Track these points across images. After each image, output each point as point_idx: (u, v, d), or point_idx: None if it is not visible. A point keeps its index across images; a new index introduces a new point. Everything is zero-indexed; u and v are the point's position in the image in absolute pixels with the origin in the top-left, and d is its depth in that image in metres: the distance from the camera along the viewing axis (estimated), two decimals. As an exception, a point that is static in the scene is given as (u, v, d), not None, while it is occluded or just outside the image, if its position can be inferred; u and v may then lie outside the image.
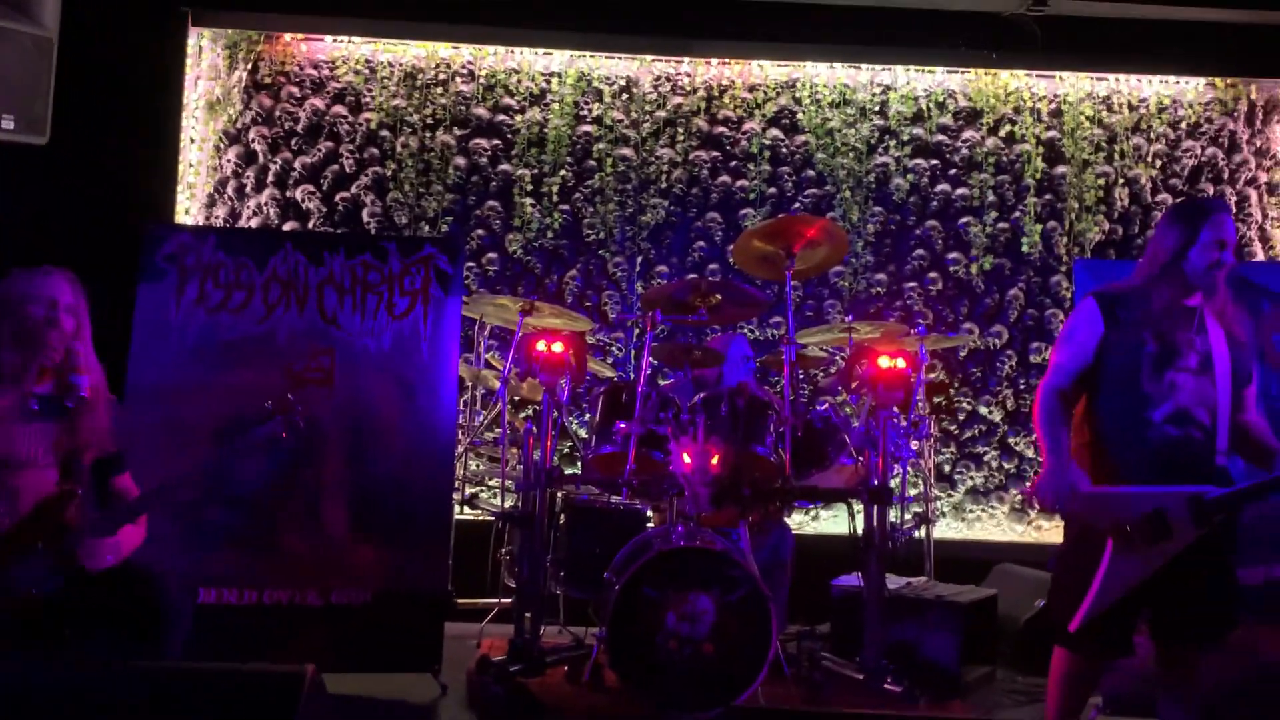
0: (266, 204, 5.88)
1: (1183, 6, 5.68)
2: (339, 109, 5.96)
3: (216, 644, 3.71)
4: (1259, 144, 6.10)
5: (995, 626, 4.79)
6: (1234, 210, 5.91)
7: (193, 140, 5.80)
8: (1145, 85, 6.08)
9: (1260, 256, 5.97)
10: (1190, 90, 6.09)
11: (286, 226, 5.85)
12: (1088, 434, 3.00)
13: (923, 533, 4.89)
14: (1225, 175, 6.07)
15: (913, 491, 4.84)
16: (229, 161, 5.89)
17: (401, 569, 4.20)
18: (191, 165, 5.79)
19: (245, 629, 4.01)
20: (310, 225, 5.87)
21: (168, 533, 3.82)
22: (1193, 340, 2.94)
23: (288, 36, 5.95)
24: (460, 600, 4.77)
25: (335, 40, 5.97)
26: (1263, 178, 6.08)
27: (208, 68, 5.88)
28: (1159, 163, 6.06)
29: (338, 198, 5.92)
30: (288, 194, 5.90)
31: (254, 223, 5.84)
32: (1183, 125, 6.09)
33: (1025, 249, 6.02)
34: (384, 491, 4.25)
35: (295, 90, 5.96)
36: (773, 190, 6.01)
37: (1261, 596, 3.79)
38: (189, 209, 5.75)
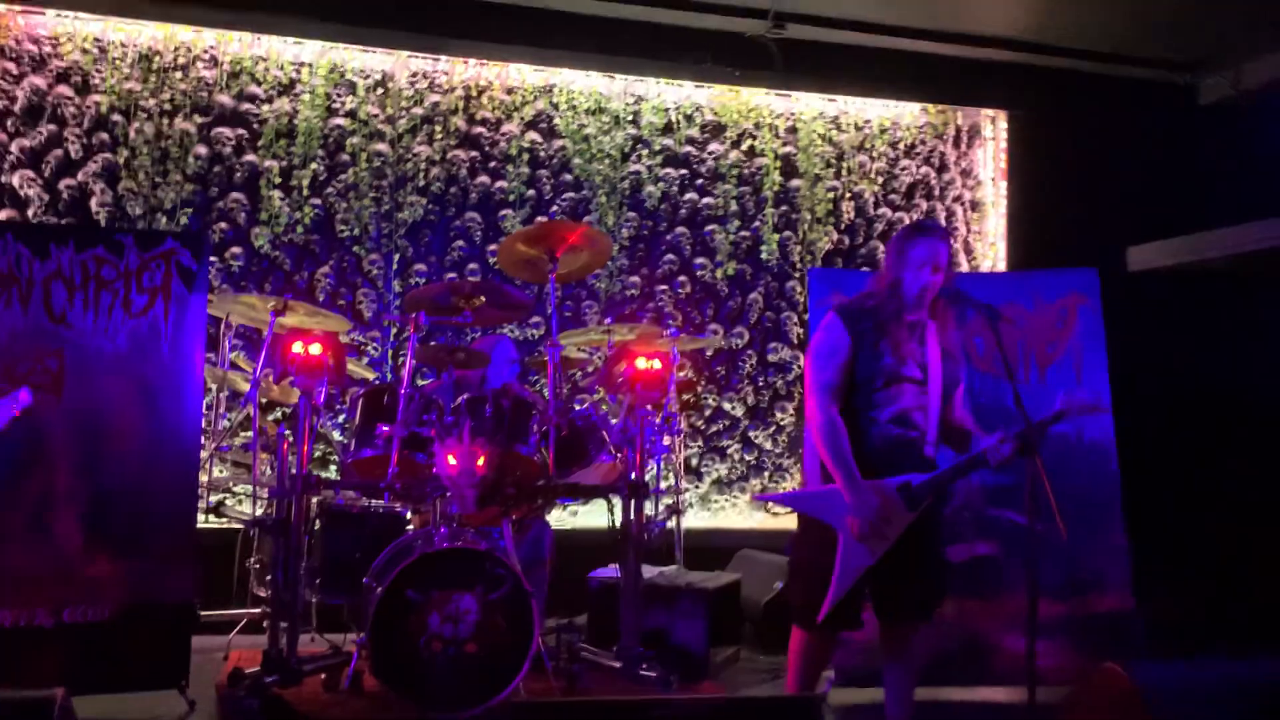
0: (-24, 189, 5.35)
1: (900, 38, 6.27)
2: (63, 89, 5.50)
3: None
4: (964, 165, 6.81)
5: (738, 609, 5.13)
6: (947, 232, 6.56)
7: (-116, 115, 5.20)
8: (869, 108, 6.64)
9: (965, 267, 6.66)
10: (908, 114, 6.71)
11: (1, 215, 5.34)
12: None
13: (674, 523, 5.13)
14: (936, 192, 6.74)
15: (665, 484, 5.08)
16: (-71, 140, 5.32)
17: (142, 582, 3.98)
18: (-116, 142, 5.19)
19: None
20: (30, 215, 5.39)
21: None
22: (914, 352, 3.28)
23: (2, 8, 5.43)
24: (204, 612, 4.57)
25: (59, 15, 5.49)
26: (967, 195, 6.80)
27: (-96, 35, 5.29)
28: (880, 179, 6.64)
29: (62, 185, 5.46)
30: (3, 179, 5.39)
31: (-39, 209, 5.30)
32: (901, 146, 6.69)
33: (764, 256, 6.43)
34: (122, 501, 4.02)
35: (11, 67, 5.44)
36: (531, 193, 6.10)
37: (966, 572, 4.25)
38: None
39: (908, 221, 6.52)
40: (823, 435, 3.17)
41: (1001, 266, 6.67)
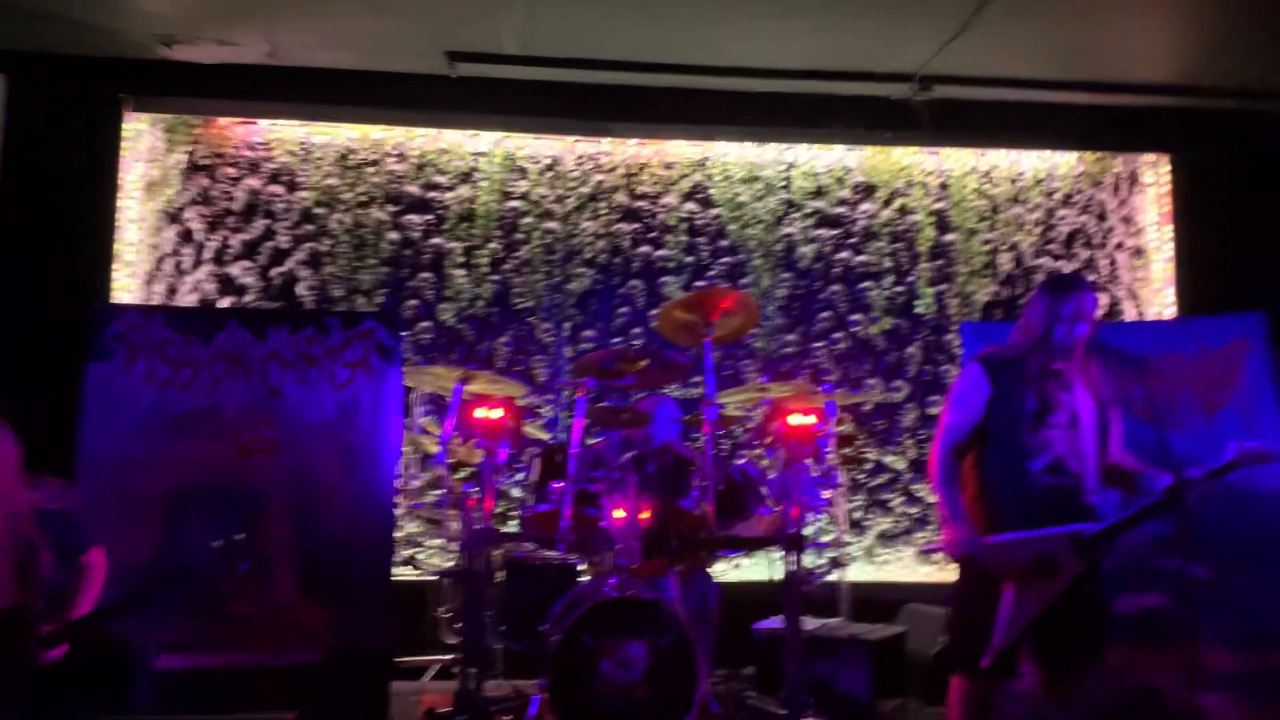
0: (204, 280, 6.07)
1: (1051, 91, 6.28)
2: (274, 188, 6.21)
3: (176, 706, 3.89)
4: (1124, 213, 6.72)
5: (905, 661, 5.16)
6: (1093, 283, 6.47)
7: (131, 220, 5.98)
8: (1022, 160, 6.67)
9: (1131, 315, 6.56)
10: (1063, 164, 6.70)
11: (224, 302, 6.04)
12: (975, 486, 3.35)
13: (836, 576, 5.23)
14: (1096, 241, 6.68)
15: (826, 538, 5.19)
16: (167, 240, 6.08)
17: (347, 628, 4.41)
18: (131, 244, 5.96)
19: (202, 691, 4.17)
20: (247, 300, 6.07)
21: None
22: (1062, 399, 3.35)
23: (224, 120, 6.20)
24: (400, 658, 4.97)
25: (270, 124, 6.23)
26: (1129, 243, 6.70)
27: (146, 150, 6.08)
28: (1038, 230, 6.64)
29: (274, 273, 6.14)
30: (225, 270, 6.11)
31: (192, 298, 6.01)
32: (1057, 196, 6.69)
33: (920, 310, 6.53)
34: (329, 554, 4.47)
35: (232, 171, 6.19)
36: (690, 259, 6.42)
37: (1135, 624, 4.20)
38: (128, 286, 5.91)
39: (1065, 270, 6.49)
40: (939, 470, 3.32)
41: (1170, 313, 6.52)
